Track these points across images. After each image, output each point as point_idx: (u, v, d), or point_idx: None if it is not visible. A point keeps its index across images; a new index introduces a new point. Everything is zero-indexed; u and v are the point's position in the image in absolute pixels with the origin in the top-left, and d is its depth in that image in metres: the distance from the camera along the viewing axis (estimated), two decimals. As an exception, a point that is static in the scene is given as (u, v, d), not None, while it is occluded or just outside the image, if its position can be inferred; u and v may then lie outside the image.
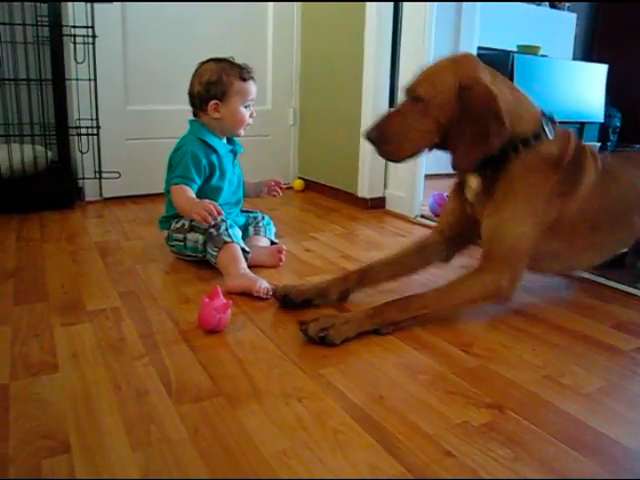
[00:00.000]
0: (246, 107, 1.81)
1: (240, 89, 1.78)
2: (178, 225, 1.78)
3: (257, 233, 1.89)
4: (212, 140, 1.80)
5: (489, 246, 1.45)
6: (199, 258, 1.75)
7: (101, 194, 2.70)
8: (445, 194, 2.56)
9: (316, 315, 1.33)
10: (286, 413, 1.01)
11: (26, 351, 1.21)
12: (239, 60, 1.84)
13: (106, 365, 1.15)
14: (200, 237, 1.71)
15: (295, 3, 3.05)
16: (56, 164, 2.61)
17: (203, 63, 1.83)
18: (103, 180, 2.66)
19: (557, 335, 1.37)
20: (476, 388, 1.11)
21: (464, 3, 3.65)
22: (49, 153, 2.60)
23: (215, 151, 1.80)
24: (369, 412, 1.02)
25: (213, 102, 1.78)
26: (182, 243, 1.77)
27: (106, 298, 1.50)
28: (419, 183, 2.51)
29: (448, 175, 3.69)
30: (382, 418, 1.00)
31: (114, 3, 2.52)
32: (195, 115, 1.85)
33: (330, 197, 2.93)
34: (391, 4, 2.54)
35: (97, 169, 2.62)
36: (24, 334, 1.29)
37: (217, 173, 1.81)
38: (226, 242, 1.64)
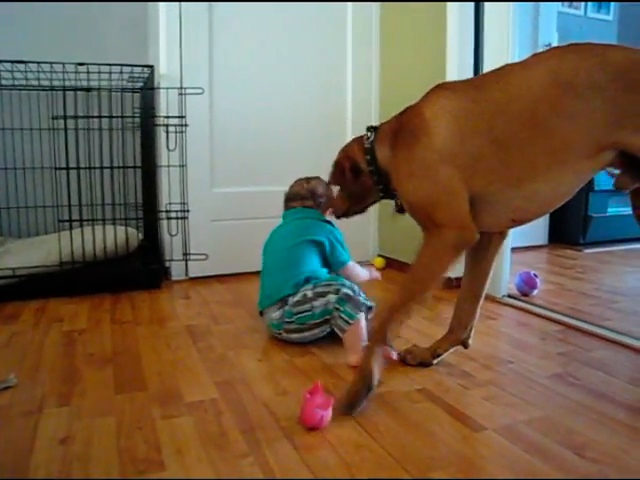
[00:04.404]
0: None
1: None
2: (297, 298, 1.81)
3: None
4: None
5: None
6: (316, 333, 1.82)
7: (187, 273, 2.77)
8: (533, 273, 2.49)
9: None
10: (400, 525, 0.97)
11: (131, 445, 1.22)
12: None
13: (211, 464, 1.14)
14: (333, 297, 1.77)
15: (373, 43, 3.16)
16: (145, 245, 2.72)
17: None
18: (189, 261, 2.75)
19: (681, 437, 1.27)
20: (599, 500, 1.04)
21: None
22: (139, 235, 2.72)
23: None
24: (486, 525, 0.97)
25: None
26: (309, 312, 1.78)
27: (203, 388, 1.51)
28: (505, 259, 2.40)
29: (534, 248, 3.64)
30: (504, 535, 0.95)
31: (204, 94, 2.67)
32: None
33: (411, 275, 2.85)
34: (472, 22, 2.52)
35: (185, 251, 2.71)
36: (127, 426, 1.30)
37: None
38: (369, 308, 1.81)
